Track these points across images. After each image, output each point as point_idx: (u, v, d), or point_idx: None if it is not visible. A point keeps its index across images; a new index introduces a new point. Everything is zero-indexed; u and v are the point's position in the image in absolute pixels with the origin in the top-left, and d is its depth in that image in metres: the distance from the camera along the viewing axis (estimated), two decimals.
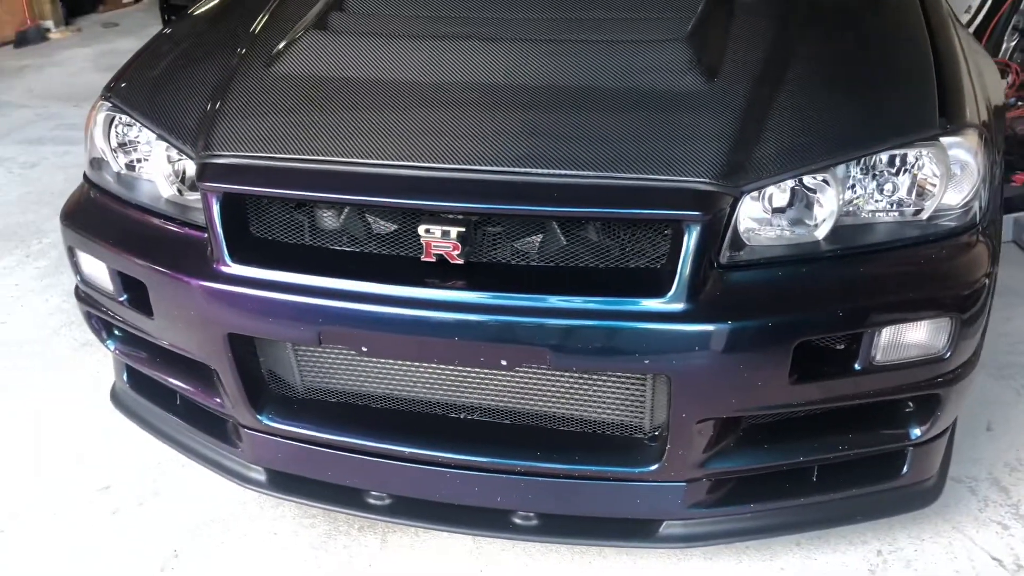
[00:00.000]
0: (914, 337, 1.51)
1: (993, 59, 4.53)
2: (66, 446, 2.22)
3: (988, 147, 1.62)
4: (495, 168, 1.47)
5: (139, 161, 1.83)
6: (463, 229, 1.46)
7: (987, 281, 1.56)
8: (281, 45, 1.81)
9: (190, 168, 1.69)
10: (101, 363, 2.48)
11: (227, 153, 1.59)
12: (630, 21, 1.79)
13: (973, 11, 4.53)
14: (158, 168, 1.75)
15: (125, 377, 2.05)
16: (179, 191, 1.73)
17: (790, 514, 1.69)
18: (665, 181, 1.43)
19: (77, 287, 1.96)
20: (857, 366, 1.50)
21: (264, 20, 1.98)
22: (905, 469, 1.67)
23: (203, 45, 2.00)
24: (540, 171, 1.46)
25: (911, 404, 1.63)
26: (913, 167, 1.53)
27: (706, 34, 1.70)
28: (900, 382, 1.55)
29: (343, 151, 1.54)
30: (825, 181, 1.49)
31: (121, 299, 1.79)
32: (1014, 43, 4.59)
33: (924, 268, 1.51)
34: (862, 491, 1.68)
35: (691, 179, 1.42)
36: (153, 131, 1.75)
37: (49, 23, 6.86)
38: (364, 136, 1.55)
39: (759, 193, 1.47)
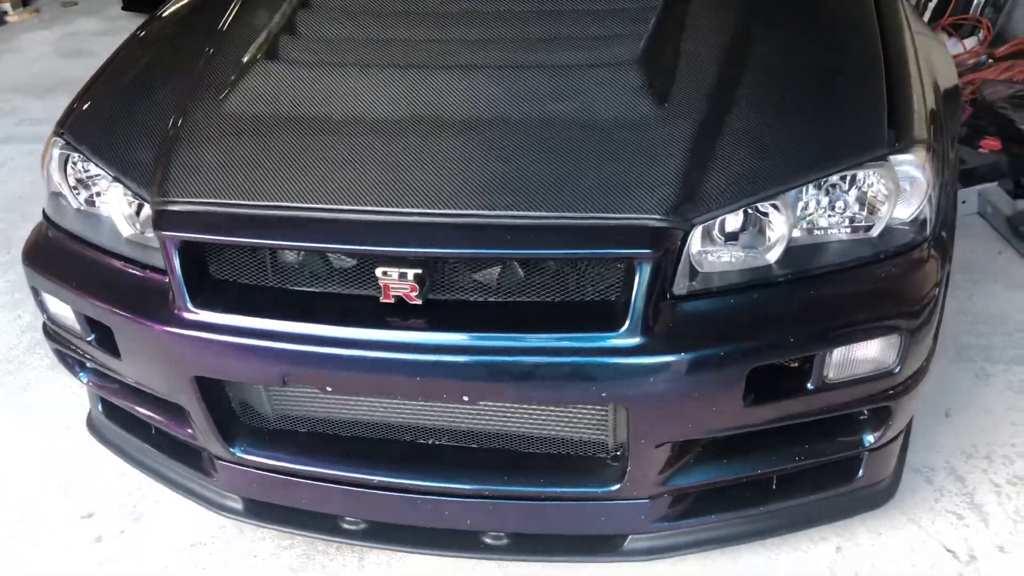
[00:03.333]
0: (865, 354, 1.56)
1: (964, 16, 4.56)
2: (45, 472, 2.25)
3: (936, 158, 1.64)
4: (448, 211, 1.48)
5: (98, 194, 1.83)
6: (420, 271, 1.48)
7: (937, 292, 1.61)
8: (232, 77, 1.79)
9: (148, 207, 1.69)
10: (78, 384, 2.49)
11: (183, 200, 1.59)
12: (581, 40, 1.78)
13: None
14: (116, 207, 1.75)
15: (100, 407, 2.08)
16: (139, 228, 1.74)
17: (752, 522, 1.76)
18: (616, 219, 1.45)
19: (45, 324, 1.97)
20: (810, 385, 1.54)
21: (216, 45, 1.96)
22: (860, 473, 1.74)
23: (155, 75, 1.97)
24: (492, 213, 1.47)
25: (864, 413, 1.68)
26: (863, 185, 1.56)
27: (657, 53, 1.69)
28: (852, 397, 1.60)
29: (298, 196, 1.54)
30: (775, 207, 1.51)
31: (88, 339, 1.80)
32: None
33: (876, 287, 1.54)
34: (820, 496, 1.75)
35: (641, 216, 1.44)
36: (108, 173, 1.74)
37: (6, 5, 6.65)
38: (318, 180, 1.55)
39: (711, 222, 1.50)
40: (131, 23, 6.30)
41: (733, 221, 1.51)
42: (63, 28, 6.36)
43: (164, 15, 2.33)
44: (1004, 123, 3.41)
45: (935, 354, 1.71)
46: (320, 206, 1.52)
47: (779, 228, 1.52)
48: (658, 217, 1.44)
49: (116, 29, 6.19)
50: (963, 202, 3.09)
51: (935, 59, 2.02)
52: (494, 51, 1.78)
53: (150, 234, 1.68)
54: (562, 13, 1.88)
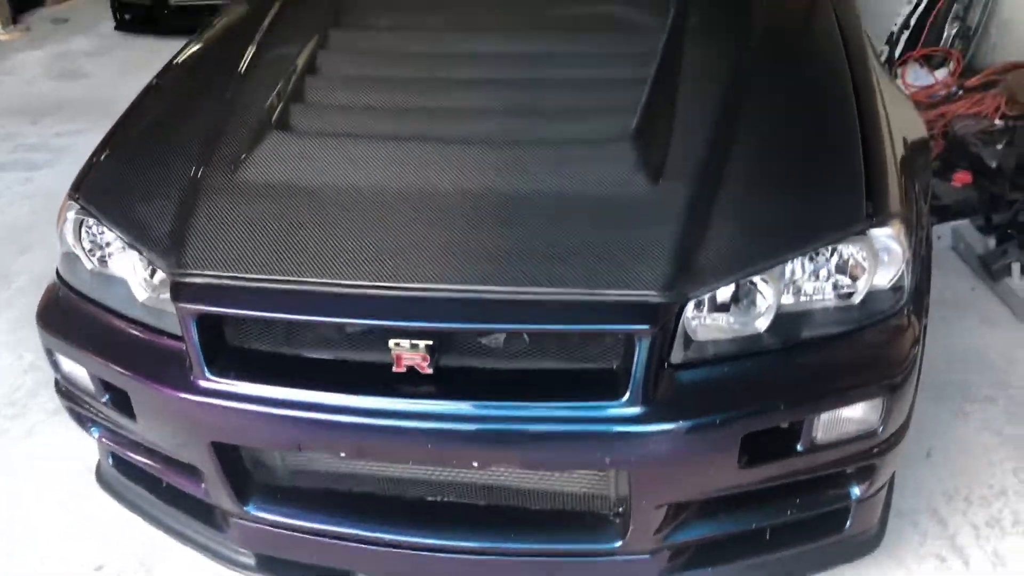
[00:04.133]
0: (851, 415, 1.65)
1: (935, 48, 4.69)
2: (53, 522, 2.29)
3: (911, 228, 1.74)
4: (456, 287, 1.56)
5: (111, 254, 1.88)
6: (431, 342, 1.55)
7: (917, 352, 1.71)
8: (245, 147, 1.86)
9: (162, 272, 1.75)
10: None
11: (200, 272, 1.65)
12: (576, 112, 1.87)
13: (914, 2, 4.65)
14: (131, 271, 1.80)
15: (110, 460, 2.13)
16: (154, 293, 1.79)
17: (746, 572, 1.84)
18: (615, 295, 1.53)
19: (57, 382, 2.02)
20: (799, 447, 1.63)
21: (229, 108, 2.02)
22: (848, 523, 1.83)
23: (170, 136, 2.03)
24: (498, 289, 1.55)
25: (851, 468, 1.77)
26: (844, 256, 1.65)
27: (650, 128, 1.78)
28: (839, 456, 1.69)
29: (313, 271, 1.61)
30: (764, 280, 1.60)
31: (103, 400, 1.86)
32: (955, 31, 4.72)
33: (860, 353, 1.64)
34: (811, 546, 1.84)
35: (640, 293, 1.52)
36: (124, 240, 1.80)
37: None
38: (331, 254, 1.62)
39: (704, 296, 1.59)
40: (124, 42, 6.33)
41: (724, 294, 1.60)
42: (54, 47, 6.33)
43: (179, 63, 2.39)
44: (974, 159, 3.54)
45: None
46: (334, 281, 1.59)
47: (768, 298, 1.61)
48: (655, 293, 1.52)
49: (109, 49, 6.21)
50: (938, 237, 3.21)
51: (902, 114, 2.12)
52: (493, 123, 1.86)
53: (165, 296, 1.72)
54: (556, 83, 1.97)
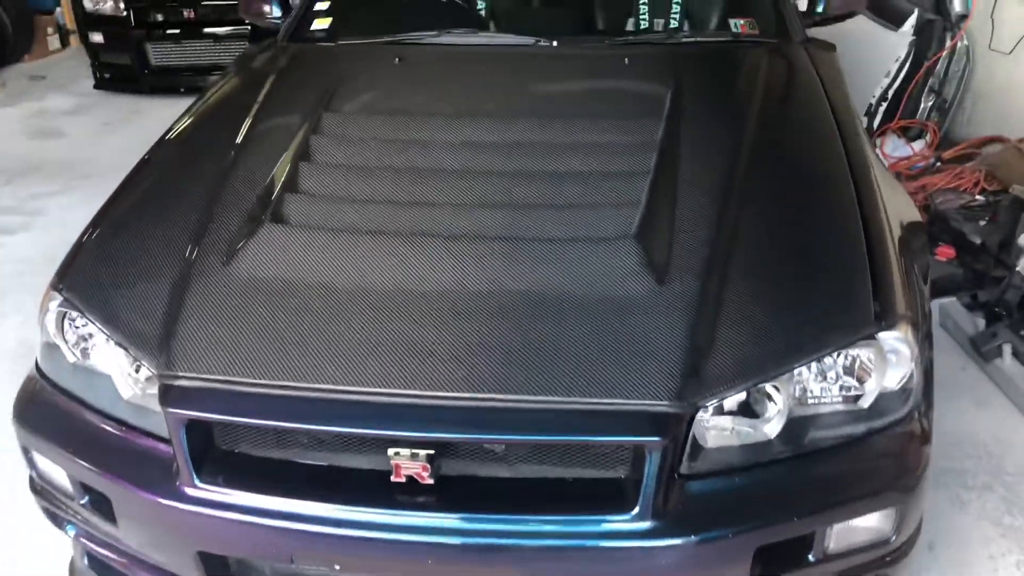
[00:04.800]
0: (864, 524, 1.61)
1: (912, 120, 4.79)
2: None
3: (919, 328, 1.72)
4: (458, 395, 1.51)
5: (95, 347, 1.81)
6: (432, 451, 1.49)
7: (929, 457, 1.67)
8: (239, 239, 1.81)
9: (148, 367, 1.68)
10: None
11: (190, 375, 1.59)
12: (579, 208, 1.84)
13: (892, 75, 4.75)
14: (115, 368, 1.73)
15: (85, 560, 2.02)
16: (139, 391, 1.72)
17: None
18: (624, 405, 1.48)
19: (32, 479, 1.93)
20: (811, 557, 1.59)
21: (220, 197, 1.97)
22: None
23: (158, 224, 1.96)
24: (502, 397, 1.50)
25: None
26: (853, 359, 1.62)
27: (652, 227, 1.76)
28: (852, 565, 1.64)
29: (308, 376, 1.55)
30: (775, 387, 1.57)
31: (82, 502, 1.77)
32: (931, 103, 4.83)
33: (871, 462, 1.61)
34: None
35: (649, 402, 1.48)
36: (110, 337, 1.73)
37: None
38: (327, 359, 1.56)
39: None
40: (103, 101, 6.27)
41: (734, 399, 1.56)
42: (31, 104, 6.27)
43: (170, 141, 2.34)
44: (957, 235, 3.57)
45: None
46: (333, 387, 1.54)
47: (778, 404, 1.57)
48: (667, 402, 1.48)
49: (87, 108, 6.15)
50: None
51: (895, 197, 2.12)
52: (492, 218, 1.83)
53: (152, 392, 1.65)
54: (555, 175, 1.95)
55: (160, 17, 6.09)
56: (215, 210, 1.93)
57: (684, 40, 2.72)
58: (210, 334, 1.64)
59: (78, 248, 1.97)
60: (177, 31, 6.10)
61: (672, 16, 3.33)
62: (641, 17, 3.35)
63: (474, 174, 1.98)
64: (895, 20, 4.75)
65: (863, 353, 1.61)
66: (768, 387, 1.56)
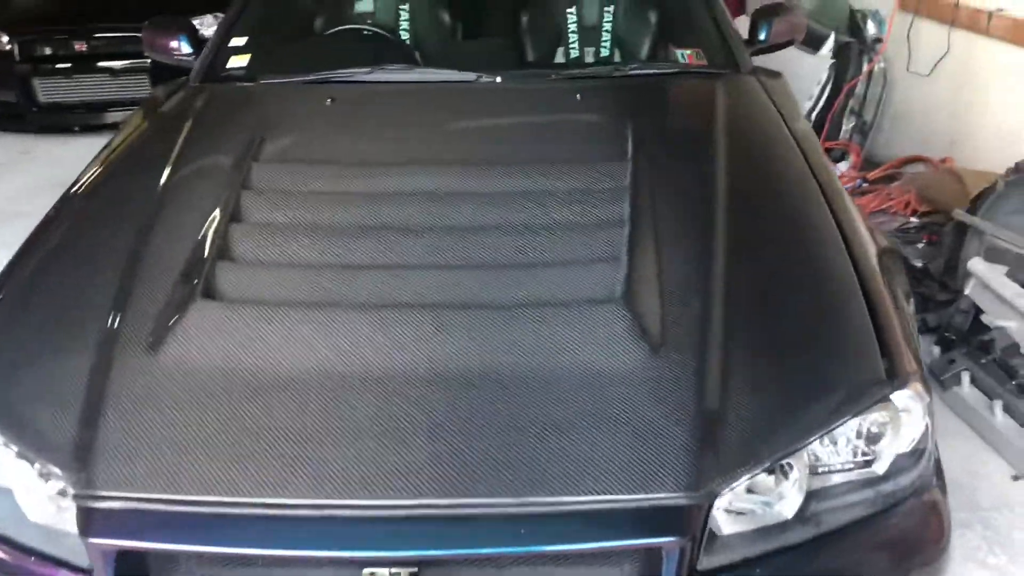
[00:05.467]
0: None
1: (836, 142, 4.84)
2: None
3: (927, 385, 1.61)
4: (440, 502, 1.29)
5: None
6: (415, 569, 1.28)
7: (949, 524, 1.56)
8: (165, 321, 1.55)
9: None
10: None
11: (116, 495, 1.32)
12: (554, 267, 1.66)
13: (815, 98, 4.79)
14: (20, 485, 1.44)
15: None
16: (51, 506, 1.43)
17: None
18: (633, 501, 1.30)
19: None
20: None
21: (140, 265, 1.70)
22: None
23: (66, 304, 1.67)
24: (496, 502, 1.30)
25: None
26: (867, 424, 1.49)
27: (640, 286, 1.60)
28: None
29: (263, 488, 1.31)
30: (790, 464, 1.42)
31: None
32: (851, 125, 4.89)
33: (891, 536, 1.48)
34: None
35: (663, 495, 1.31)
36: (12, 447, 1.45)
37: None
38: (284, 466, 1.33)
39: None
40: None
41: (747, 483, 1.41)
42: None
43: (77, 195, 2.03)
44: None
45: None
46: (291, 501, 1.30)
47: (794, 482, 1.43)
48: (682, 494, 1.31)
49: None
50: None
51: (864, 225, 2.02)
52: (459, 282, 1.63)
53: (67, 506, 1.37)
54: (522, 228, 1.76)
55: (48, 50, 5.64)
56: (136, 282, 1.66)
57: (633, 72, 2.58)
58: (139, 441, 1.38)
59: None
60: (68, 65, 5.66)
61: (603, 44, 3.24)
62: (571, 46, 3.24)
63: (429, 230, 1.78)
64: (813, 43, 4.79)
65: (876, 416, 1.49)
66: (783, 464, 1.41)
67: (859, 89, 4.80)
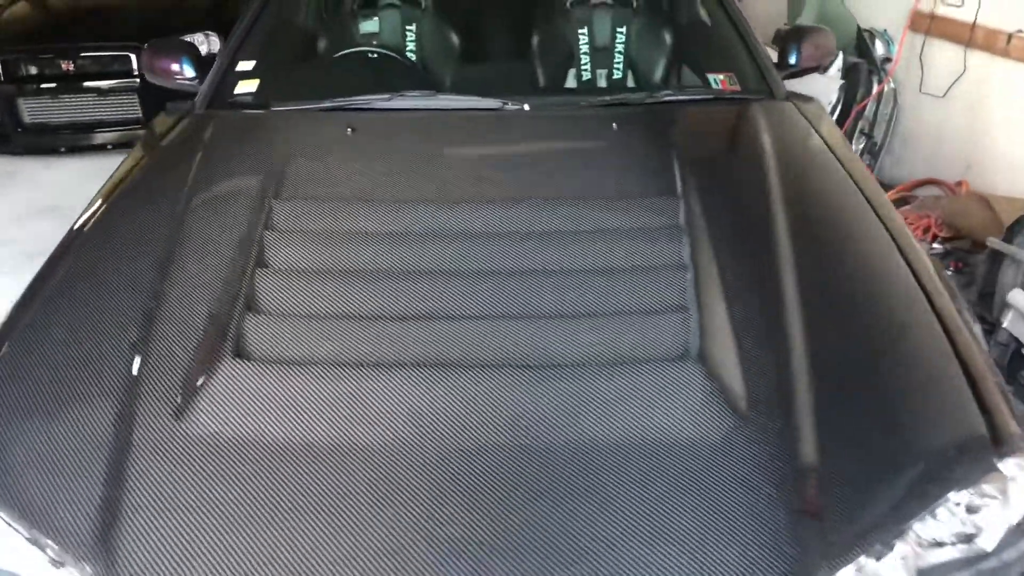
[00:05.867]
0: None
1: None
2: None
3: None
4: None
5: None
6: None
7: None
8: (192, 382, 1.39)
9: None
10: None
11: None
12: (617, 318, 1.52)
13: None
14: (28, 572, 1.28)
15: None
16: None
17: None
18: None
19: None
20: None
21: (158, 320, 1.54)
22: None
23: (78, 360, 1.48)
24: None
25: None
26: (972, 495, 1.36)
27: (715, 340, 1.46)
28: None
29: None
30: (895, 542, 1.28)
31: None
32: (861, 146, 4.81)
33: None
34: None
35: None
36: (18, 530, 1.28)
37: None
38: (342, 566, 1.17)
39: None
40: None
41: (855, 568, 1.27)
42: None
43: (85, 232, 1.83)
44: None
45: None
46: None
47: (900, 563, 1.29)
48: None
49: None
50: None
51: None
52: (517, 333, 1.48)
53: None
54: (574, 272, 1.62)
55: (34, 70, 5.44)
56: (157, 335, 1.50)
57: (668, 99, 2.45)
58: (165, 525, 1.22)
59: None
60: (54, 85, 5.46)
61: (615, 66, 3.13)
62: (583, 68, 3.12)
63: (475, 276, 1.63)
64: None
65: (984, 488, 1.35)
66: (891, 544, 1.27)
67: (868, 110, 4.72)
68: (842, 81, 4.68)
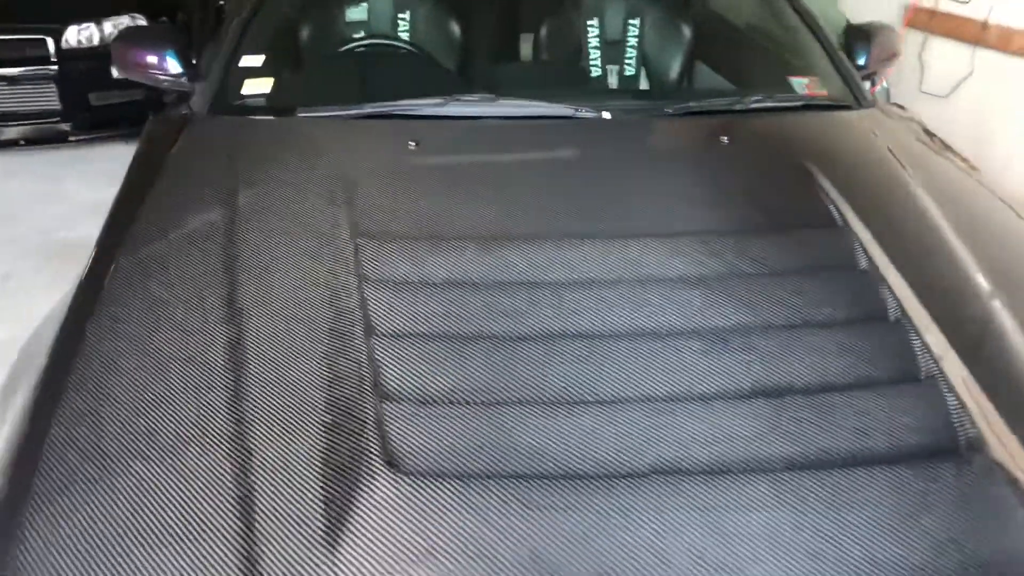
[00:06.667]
0: None
1: None
2: None
3: None
4: None
5: None
6: None
7: None
8: (331, 494, 0.99)
9: None
10: None
11: None
12: (838, 395, 1.20)
13: None
14: None
15: None
16: None
17: None
18: None
19: None
20: None
21: (248, 407, 1.12)
22: None
23: (153, 465, 1.05)
24: None
25: None
26: None
27: (982, 425, 1.17)
28: None
29: None
30: None
31: None
32: None
33: None
34: None
35: None
36: None
37: None
38: None
39: None
40: None
41: None
42: None
43: (115, 280, 1.39)
44: None
45: None
46: None
47: None
48: None
49: None
50: None
51: None
52: (714, 424, 1.14)
53: None
54: (764, 331, 1.30)
55: None
56: (256, 428, 1.09)
57: (755, 106, 2.13)
58: None
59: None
60: None
61: (627, 62, 2.83)
62: (592, 63, 2.80)
63: (641, 337, 1.28)
64: None
65: None
66: None
67: None
68: None
